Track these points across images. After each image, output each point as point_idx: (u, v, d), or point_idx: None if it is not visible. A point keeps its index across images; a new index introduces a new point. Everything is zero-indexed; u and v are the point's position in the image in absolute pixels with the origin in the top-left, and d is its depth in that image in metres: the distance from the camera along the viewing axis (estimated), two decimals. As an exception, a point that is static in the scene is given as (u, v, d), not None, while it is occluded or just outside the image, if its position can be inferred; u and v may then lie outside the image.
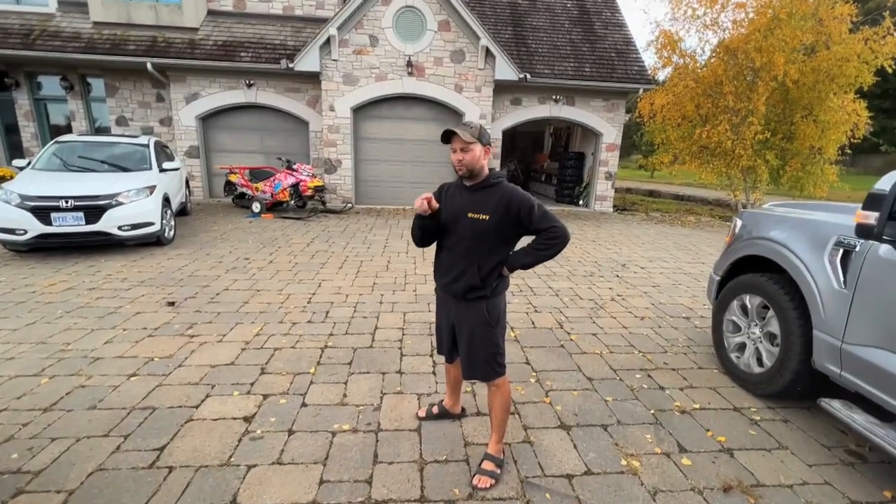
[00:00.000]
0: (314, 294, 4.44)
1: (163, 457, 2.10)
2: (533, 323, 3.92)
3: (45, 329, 3.45)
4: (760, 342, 2.86)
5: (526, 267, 1.97)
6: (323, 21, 9.93)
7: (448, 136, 1.87)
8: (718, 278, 3.32)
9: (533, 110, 10.87)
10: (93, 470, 2.01)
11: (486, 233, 1.87)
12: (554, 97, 10.70)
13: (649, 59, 19.35)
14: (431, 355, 3.23)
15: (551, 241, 1.87)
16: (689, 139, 10.65)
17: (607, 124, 11.01)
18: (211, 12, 10.36)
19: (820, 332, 2.40)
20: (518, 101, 10.75)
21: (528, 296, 4.63)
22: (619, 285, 5.15)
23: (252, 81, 9.89)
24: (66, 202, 5.15)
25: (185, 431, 2.29)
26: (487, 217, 1.85)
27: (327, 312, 3.97)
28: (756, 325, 2.91)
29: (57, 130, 10.22)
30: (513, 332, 3.69)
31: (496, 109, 10.55)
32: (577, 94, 10.76)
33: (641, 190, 19.35)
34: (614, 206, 11.87)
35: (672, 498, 1.96)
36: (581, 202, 12.08)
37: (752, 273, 2.99)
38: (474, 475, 2.01)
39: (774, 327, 2.72)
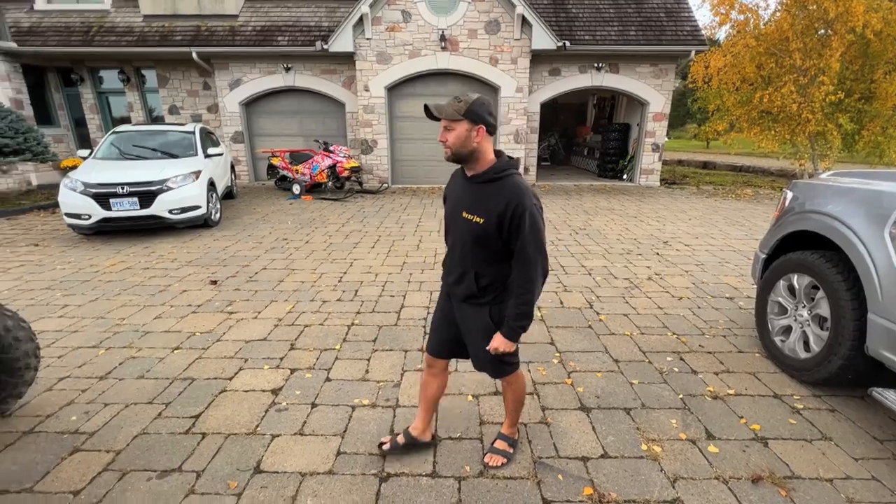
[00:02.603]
0: (345, 273, 4.56)
1: (198, 424, 2.27)
2: (561, 302, 3.82)
3: (105, 305, 3.79)
4: (808, 325, 2.63)
5: (526, 323, 1.63)
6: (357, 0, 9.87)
7: (431, 113, 1.55)
8: (764, 256, 3.06)
9: (573, 80, 10.35)
10: (137, 433, 2.21)
11: (480, 238, 1.59)
12: (596, 65, 10.11)
13: (703, 17, 17.60)
14: (454, 334, 3.24)
15: (522, 290, 1.58)
16: (747, 104, 9.77)
17: (654, 92, 10.30)
18: (249, -2, 10.57)
19: (876, 315, 2.16)
20: (557, 71, 10.26)
21: (558, 274, 4.51)
22: (659, 264, 4.89)
23: (290, 65, 10.08)
24: (123, 188, 5.55)
25: (218, 401, 2.46)
26: (482, 221, 1.55)
27: (356, 291, 4.07)
28: (804, 306, 2.67)
29: (119, 121, 10.98)
30: (539, 311, 3.62)
31: (533, 81, 10.15)
32: (622, 60, 10.10)
33: (694, 162, 18.09)
34: (662, 180, 11.22)
35: (693, 486, 1.88)
36: (625, 176, 11.50)
37: (801, 251, 2.73)
38: (486, 453, 2.02)
39: (824, 310, 2.48)
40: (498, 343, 1.66)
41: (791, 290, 2.77)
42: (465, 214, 1.61)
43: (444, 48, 9.49)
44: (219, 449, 2.10)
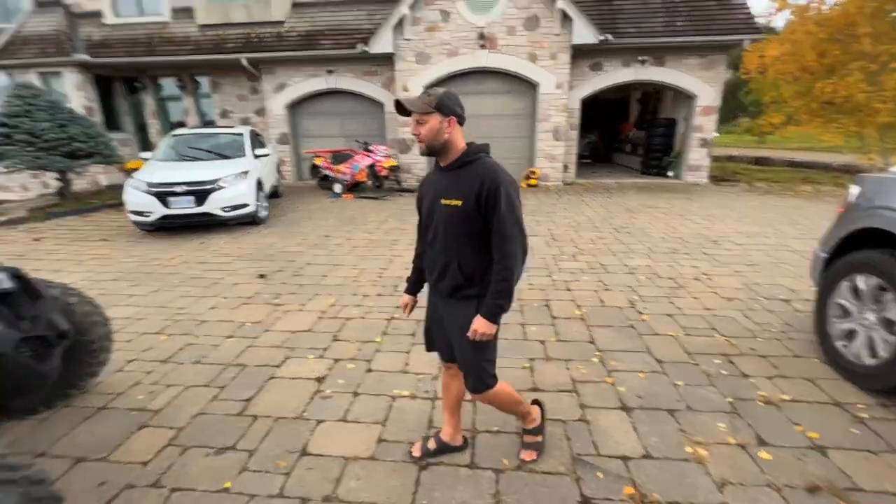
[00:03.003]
0: (385, 269, 4.67)
1: (249, 407, 2.42)
2: (602, 301, 3.74)
3: (166, 296, 4.07)
4: (875, 329, 2.45)
5: (506, 303, 1.60)
6: (397, 1, 10.03)
7: (403, 108, 1.55)
8: (826, 255, 2.87)
9: (615, 75, 10.04)
10: (196, 413, 2.37)
11: (461, 222, 1.58)
12: (640, 58, 9.76)
13: (759, 3, 16.76)
14: (492, 330, 3.25)
15: (501, 266, 1.56)
16: (807, 95, 9.15)
17: (703, 84, 9.81)
18: (295, 4, 10.96)
19: (955, 319, 1.98)
20: (598, 65, 9.99)
21: (599, 273, 4.42)
22: (707, 263, 4.68)
23: (332, 68, 10.39)
24: (180, 187, 5.94)
25: (268, 387, 2.60)
26: (460, 203, 1.56)
27: (396, 286, 4.16)
28: (870, 310, 2.49)
29: (175, 125, 11.72)
30: (578, 309, 3.57)
31: (574, 77, 9.93)
32: (668, 52, 9.69)
33: (747, 157, 17.05)
34: (711, 177, 10.67)
35: (742, 491, 1.80)
36: (670, 173, 11.03)
37: (867, 249, 2.54)
38: (520, 449, 2.03)
39: (893, 313, 2.30)
40: (477, 325, 1.60)
41: (855, 291, 2.58)
42: (443, 201, 1.62)
43: (482, 46, 9.47)
44: (268, 431, 2.22)
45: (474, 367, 1.72)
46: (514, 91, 9.96)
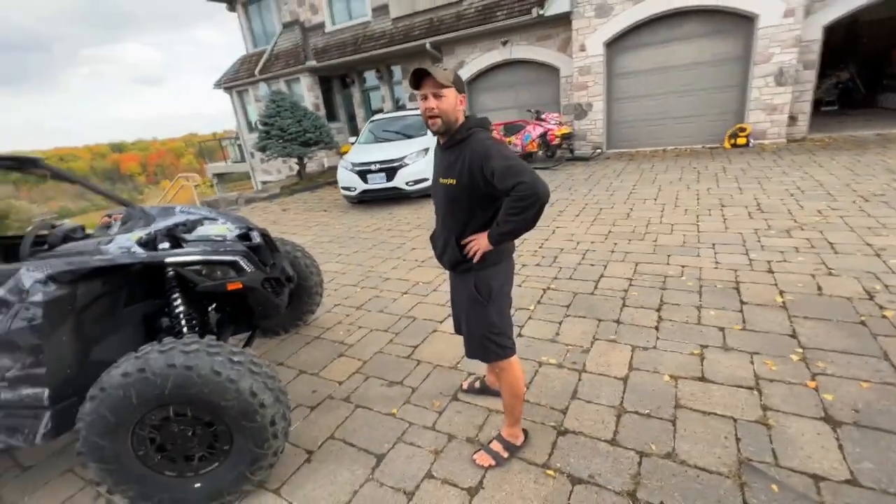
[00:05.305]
0: (546, 240, 4.64)
1: (415, 353, 2.82)
2: (819, 288, 2.96)
3: (362, 256, 4.96)
4: None
5: (506, 237, 1.57)
6: (575, -47, 9.30)
7: (419, 79, 1.52)
8: None
9: (886, -17, 7.27)
10: (376, 351, 2.90)
11: (457, 199, 1.62)
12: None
13: None
14: (658, 310, 2.95)
15: (519, 203, 1.45)
16: None
17: None
18: (473, -20, 11.27)
19: None
20: (856, -25, 7.39)
21: (822, 253, 3.47)
22: None
23: (506, 39, 10.40)
24: (375, 166, 7.00)
25: (430, 339, 2.97)
26: (454, 182, 1.58)
27: (555, 258, 4.11)
28: None
29: (374, 112, 13.66)
30: (781, 296, 2.91)
31: (812, -2, 7.61)
32: None
33: None
34: None
35: None
36: (982, 115, 7.57)
37: None
38: (476, 451, 1.91)
39: None
40: (477, 239, 1.62)
41: None
42: (441, 181, 1.65)
43: (678, -17, 8.06)
44: (428, 375, 2.56)
45: (476, 337, 1.76)
46: (718, 31, 8.24)
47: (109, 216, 2.69)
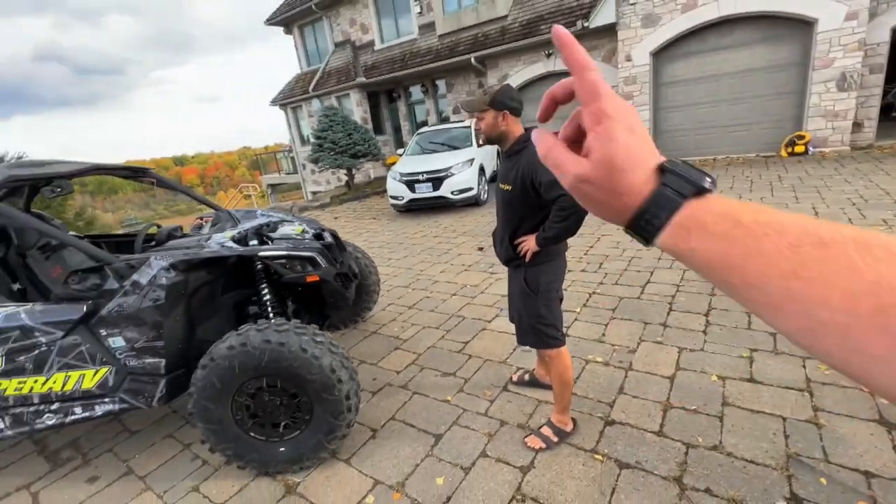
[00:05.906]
0: (591, 247, 4.72)
1: (465, 349, 3.00)
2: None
3: (411, 261, 5.22)
4: None
5: (550, 241, 1.78)
6: (621, -35, 9.36)
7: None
8: None
9: (963, -19, 6.83)
10: (429, 346, 3.11)
11: (512, 203, 1.85)
12: None
13: None
14: (706, 314, 2.98)
15: (562, 213, 1.69)
16: None
17: None
18: (517, -4, 11.54)
19: None
20: (929, -26, 7.00)
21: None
22: None
23: (550, 51, 10.55)
24: (422, 176, 7.31)
25: (480, 336, 3.15)
26: (511, 187, 1.81)
27: (601, 264, 4.19)
28: None
29: (420, 125, 14.13)
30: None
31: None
32: None
33: None
34: None
35: None
36: None
37: None
38: (527, 435, 2.07)
39: None
40: (528, 240, 1.83)
41: None
42: (501, 186, 1.88)
43: (729, -10, 7.93)
44: (479, 368, 2.74)
45: (527, 327, 1.97)
46: (773, 37, 8.00)
47: (201, 219, 3.09)
